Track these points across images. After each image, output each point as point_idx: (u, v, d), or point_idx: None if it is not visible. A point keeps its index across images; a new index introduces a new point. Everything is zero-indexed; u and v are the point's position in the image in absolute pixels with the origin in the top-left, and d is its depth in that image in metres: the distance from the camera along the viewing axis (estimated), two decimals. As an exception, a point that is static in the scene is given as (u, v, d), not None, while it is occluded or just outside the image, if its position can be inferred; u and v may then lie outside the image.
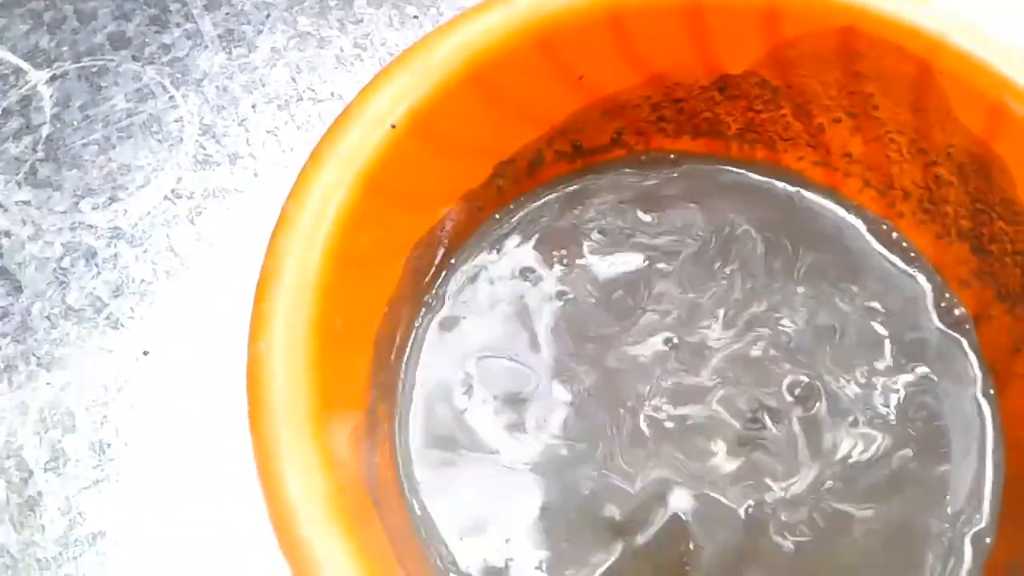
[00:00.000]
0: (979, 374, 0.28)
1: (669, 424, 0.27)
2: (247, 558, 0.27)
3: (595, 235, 0.30)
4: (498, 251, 0.30)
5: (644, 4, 0.27)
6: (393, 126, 0.25)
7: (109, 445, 0.28)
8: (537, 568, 0.25)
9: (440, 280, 0.29)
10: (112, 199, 0.33)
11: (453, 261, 0.30)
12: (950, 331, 0.29)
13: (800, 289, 0.29)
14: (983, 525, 0.26)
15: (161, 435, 0.29)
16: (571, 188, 0.31)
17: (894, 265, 0.30)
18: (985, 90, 0.25)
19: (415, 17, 0.38)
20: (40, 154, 0.33)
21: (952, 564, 0.25)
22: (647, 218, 0.31)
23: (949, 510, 0.26)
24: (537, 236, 0.30)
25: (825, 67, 0.28)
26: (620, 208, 0.31)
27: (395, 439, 0.27)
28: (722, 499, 0.26)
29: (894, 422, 0.27)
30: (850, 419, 0.27)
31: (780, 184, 0.32)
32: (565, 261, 0.30)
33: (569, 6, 0.27)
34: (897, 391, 0.28)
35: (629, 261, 0.30)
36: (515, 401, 0.27)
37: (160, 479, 0.28)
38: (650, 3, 0.27)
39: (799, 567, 0.25)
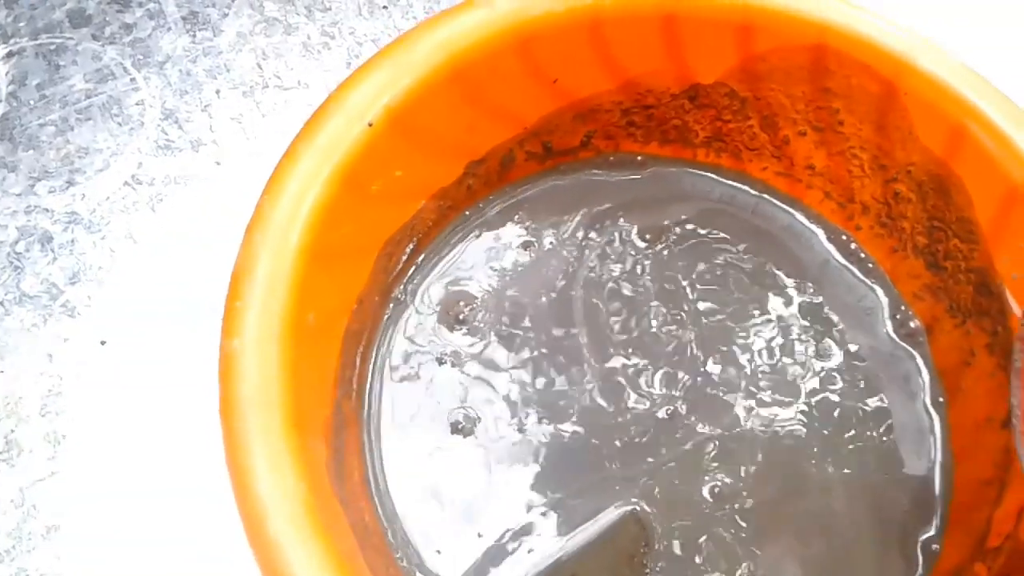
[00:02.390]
0: (929, 386, 0.29)
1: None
2: (207, 554, 0.27)
3: (559, 236, 0.31)
4: (465, 247, 0.30)
5: (622, 12, 0.27)
6: (370, 124, 0.25)
7: (64, 436, 0.28)
8: (505, 566, 0.25)
9: (408, 276, 0.29)
10: (69, 183, 0.32)
11: (421, 258, 0.30)
12: (903, 343, 0.30)
13: (757, 291, 0.30)
14: (931, 532, 0.27)
15: (118, 427, 0.28)
16: (539, 190, 0.32)
17: (852, 275, 0.31)
18: (947, 112, 0.26)
19: (384, 7, 0.37)
20: (-6, 133, 0.32)
21: (904, 569, 0.26)
22: (615, 223, 0.31)
23: (898, 517, 0.27)
24: (503, 233, 0.31)
25: (794, 81, 0.29)
26: (590, 215, 0.31)
27: (362, 437, 0.27)
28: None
29: (840, 427, 0.28)
30: (796, 425, 0.28)
31: (744, 188, 0.32)
32: (531, 256, 0.30)
33: (549, 10, 0.27)
34: (846, 398, 0.29)
35: (589, 264, 0.30)
36: (484, 401, 0.28)
37: (117, 472, 0.27)
38: (628, 11, 0.27)
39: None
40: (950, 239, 0.28)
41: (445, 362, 0.28)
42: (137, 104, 0.34)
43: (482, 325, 0.29)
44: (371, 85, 0.25)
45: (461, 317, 0.29)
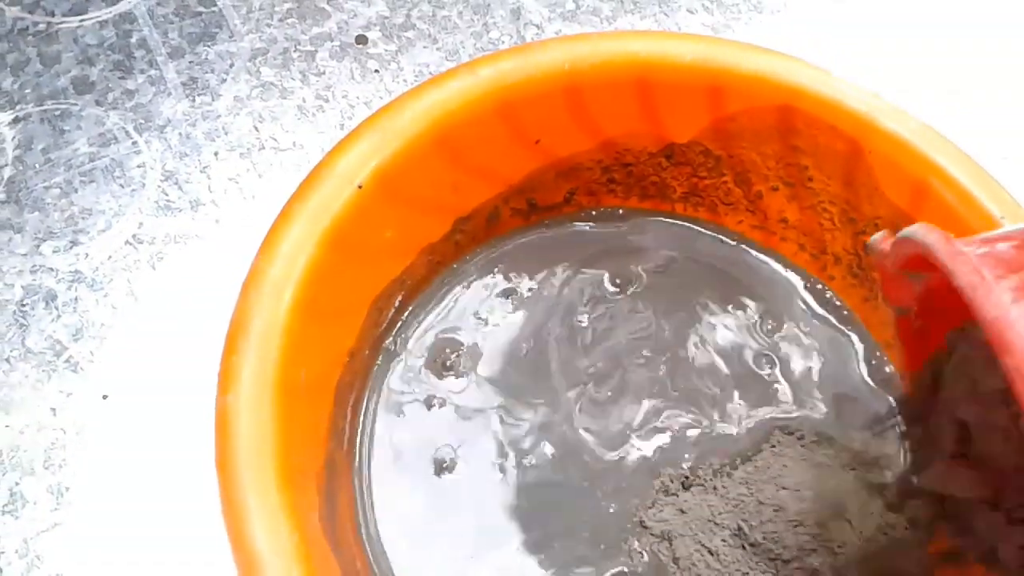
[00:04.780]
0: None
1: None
2: (203, 602, 0.27)
3: (538, 286, 0.32)
4: (453, 298, 0.31)
5: (598, 78, 0.29)
6: (360, 186, 0.26)
7: (67, 488, 0.29)
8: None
9: (397, 328, 0.31)
10: (73, 242, 0.33)
11: (410, 309, 0.31)
12: (878, 387, 0.31)
13: (739, 339, 0.31)
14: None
15: (120, 479, 0.29)
16: (522, 242, 0.33)
17: (828, 322, 0.32)
18: (910, 169, 0.28)
19: (376, 71, 0.39)
20: (1, 196, 0.34)
21: None
22: (592, 271, 0.32)
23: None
24: (487, 284, 0.32)
25: (764, 140, 0.30)
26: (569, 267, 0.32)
27: (353, 483, 0.28)
28: None
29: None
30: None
31: (721, 239, 0.34)
32: (512, 304, 0.31)
33: (529, 77, 0.28)
34: (831, 441, 0.30)
35: (564, 310, 0.32)
36: (469, 444, 0.29)
37: (118, 523, 0.28)
38: (604, 77, 0.29)
39: None
40: (917, 288, 0.29)
41: (433, 405, 0.29)
42: (139, 166, 0.35)
43: (467, 371, 0.30)
44: (360, 150, 0.26)
45: (448, 363, 0.30)
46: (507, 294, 0.32)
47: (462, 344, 0.31)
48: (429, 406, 0.29)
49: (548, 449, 0.29)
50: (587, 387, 0.30)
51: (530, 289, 0.32)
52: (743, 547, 0.27)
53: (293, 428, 0.23)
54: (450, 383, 0.30)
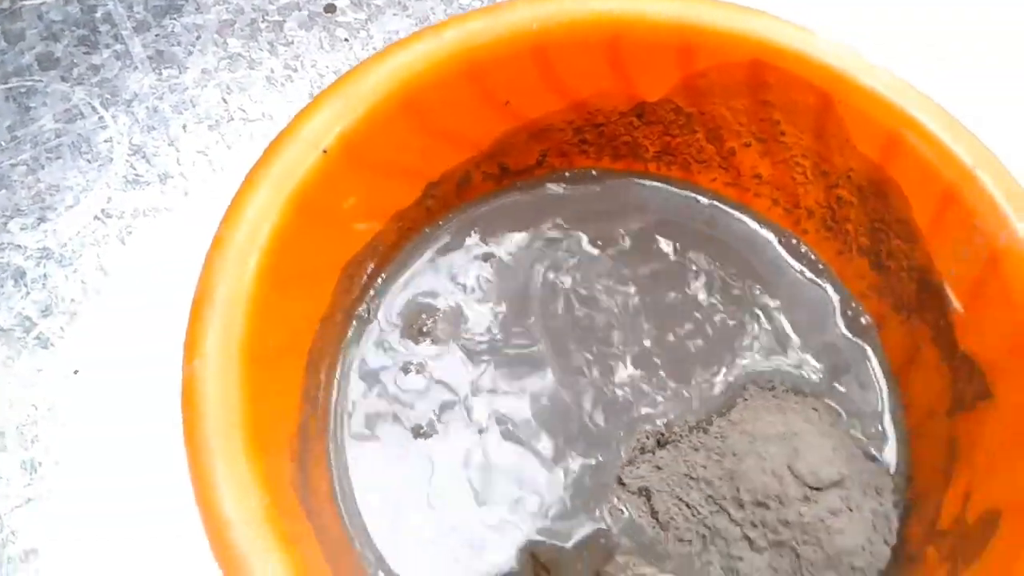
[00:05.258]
0: (883, 379, 0.30)
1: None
2: (182, 573, 0.27)
3: (516, 249, 0.32)
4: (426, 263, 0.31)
5: (567, 37, 0.28)
6: (325, 151, 0.26)
7: (40, 464, 0.28)
8: (474, 566, 0.26)
9: (371, 295, 0.30)
10: (41, 219, 0.33)
11: (383, 276, 0.31)
12: (855, 339, 0.31)
13: (716, 296, 0.31)
14: (895, 523, 0.28)
15: (92, 453, 0.29)
16: (496, 205, 0.33)
17: (804, 276, 0.32)
18: (880, 120, 0.28)
19: (345, 40, 0.38)
20: (-34, 174, 0.33)
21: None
22: (569, 234, 0.32)
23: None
24: (463, 248, 0.32)
25: (734, 96, 0.30)
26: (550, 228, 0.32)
27: (328, 452, 0.27)
28: None
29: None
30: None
31: (696, 198, 0.33)
32: (491, 268, 0.31)
33: (496, 37, 0.28)
34: (804, 393, 0.30)
35: (544, 273, 0.31)
36: (447, 407, 0.29)
37: (92, 497, 0.28)
38: (572, 37, 0.28)
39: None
40: (891, 239, 0.29)
41: (410, 370, 0.29)
42: (106, 141, 0.35)
43: (444, 336, 0.30)
44: (324, 115, 0.26)
45: (424, 329, 0.30)
46: (485, 257, 0.31)
47: (438, 309, 0.30)
48: (406, 371, 0.29)
49: (527, 411, 0.29)
50: (568, 349, 0.30)
51: (508, 252, 0.32)
52: (720, 499, 0.27)
53: (262, 395, 0.23)
54: (427, 348, 0.30)
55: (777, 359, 0.30)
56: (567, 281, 0.31)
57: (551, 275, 0.31)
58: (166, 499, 0.27)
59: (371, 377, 0.29)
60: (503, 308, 0.31)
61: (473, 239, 0.32)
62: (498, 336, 0.30)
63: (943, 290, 0.28)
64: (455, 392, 0.29)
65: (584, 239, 0.32)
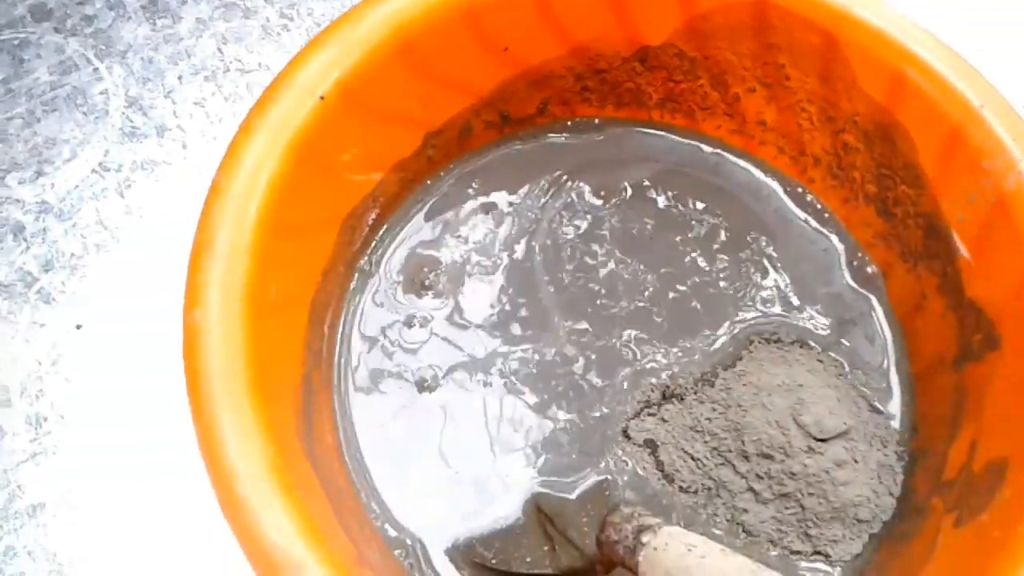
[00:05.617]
0: (888, 329, 0.30)
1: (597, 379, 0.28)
2: (187, 526, 0.27)
3: (518, 200, 0.31)
4: (428, 215, 0.31)
5: (566, -23, 0.28)
6: (322, 97, 0.25)
7: (45, 419, 0.28)
8: (471, 531, 0.26)
9: (372, 247, 0.30)
10: (39, 173, 0.32)
11: (384, 227, 0.31)
12: (861, 288, 0.31)
13: (720, 248, 0.31)
14: (900, 474, 0.28)
15: (97, 407, 0.29)
16: (498, 156, 0.32)
17: (809, 225, 0.32)
18: (886, 60, 0.27)
19: (342, -12, 0.38)
20: (-39, 128, 0.33)
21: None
22: (572, 184, 0.32)
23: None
24: (464, 200, 0.31)
25: (739, 39, 0.29)
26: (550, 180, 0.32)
27: (332, 402, 0.27)
28: None
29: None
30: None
31: (700, 147, 0.33)
32: (493, 220, 0.31)
33: (494, -21, 0.27)
34: (809, 345, 0.29)
35: (548, 224, 0.31)
36: (450, 361, 0.28)
37: (97, 451, 0.28)
38: (572, -24, 0.28)
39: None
40: (898, 185, 0.29)
41: (413, 324, 0.29)
42: (101, 93, 0.34)
43: (446, 289, 0.30)
44: (320, 60, 0.26)
45: (427, 283, 0.30)
46: (486, 209, 0.31)
47: (441, 263, 0.30)
48: (409, 326, 0.29)
49: (532, 365, 0.29)
50: (572, 303, 0.30)
51: (510, 203, 0.31)
52: (725, 452, 0.27)
53: (265, 345, 0.23)
54: (429, 302, 0.29)
55: (782, 311, 0.30)
56: (569, 232, 0.31)
57: (553, 226, 0.31)
58: (172, 452, 0.27)
59: (374, 331, 0.29)
60: (505, 261, 0.30)
61: (474, 190, 0.31)
62: (503, 289, 0.30)
63: (950, 236, 0.27)
64: (458, 346, 0.29)
65: (587, 189, 0.32)
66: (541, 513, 0.27)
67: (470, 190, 0.31)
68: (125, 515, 0.28)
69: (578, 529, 0.26)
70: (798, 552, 0.27)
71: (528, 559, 0.26)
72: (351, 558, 0.22)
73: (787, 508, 0.27)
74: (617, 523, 0.25)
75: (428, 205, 0.31)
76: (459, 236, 0.31)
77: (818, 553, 0.27)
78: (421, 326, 0.29)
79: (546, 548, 0.26)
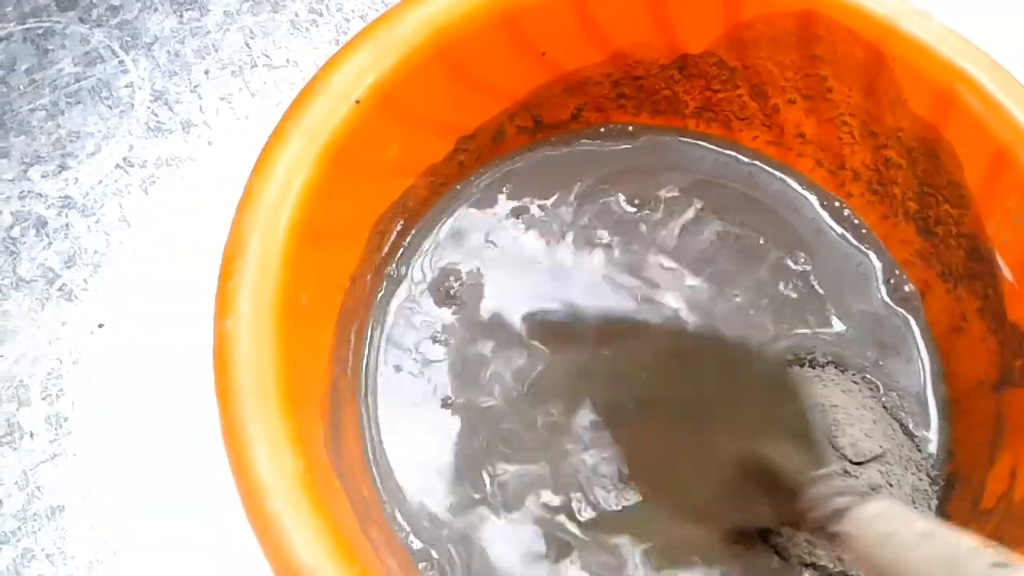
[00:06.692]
0: (924, 350, 0.29)
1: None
2: (210, 531, 0.27)
3: (550, 207, 0.31)
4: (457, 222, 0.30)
5: (608, -17, 0.27)
6: (358, 101, 0.25)
7: (65, 419, 0.28)
8: (508, 549, 0.26)
9: (400, 253, 0.30)
10: (62, 167, 0.32)
11: (413, 233, 0.30)
12: (898, 307, 0.30)
13: (751, 260, 0.30)
14: (934, 500, 0.27)
15: (118, 408, 0.28)
16: (529, 162, 0.32)
17: (846, 240, 0.31)
18: (934, 76, 0.26)
19: (372, -16, 0.37)
20: (-15, 119, 0.32)
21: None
22: (606, 192, 0.31)
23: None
24: (494, 206, 0.31)
25: (782, 49, 0.29)
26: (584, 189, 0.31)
27: (360, 413, 0.27)
28: None
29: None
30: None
31: (736, 157, 0.32)
32: (523, 227, 0.30)
33: (534, -16, 0.27)
34: (844, 365, 0.29)
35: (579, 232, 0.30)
36: (477, 372, 0.28)
37: (118, 452, 0.28)
38: (614, -18, 0.27)
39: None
40: (940, 204, 0.28)
41: (439, 336, 0.28)
42: (126, 86, 0.34)
43: (473, 299, 0.29)
44: (356, 64, 0.25)
45: (452, 292, 0.29)
46: (517, 214, 0.30)
47: (468, 271, 0.29)
48: (434, 338, 0.28)
49: (560, 379, 0.28)
50: (603, 315, 0.29)
51: (542, 208, 0.31)
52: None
53: (295, 354, 0.22)
54: (456, 312, 0.29)
55: (816, 330, 0.29)
56: (606, 238, 0.30)
57: (588, 234, 0.30)
58: (195, 455, 0.27)
59: (401, 338, 0.28)
60: (535, 269, 0.30)
61: (504, 196, 0.31)
62: (529, 300, 0.29)
63: (993, 258, 0.27)
64: (486, 357, 0.28)
65: (621, 198, 0.31)
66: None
67: (501, 196, 0.31)
68: (145, 519, 0.27)
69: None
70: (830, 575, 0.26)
71: None
72: (379, 575, 0.22)
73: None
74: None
75: (457, 211, 0.30)
76: (490, 242, 0.30)
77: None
78: (447, 336, 0.28)
79: None
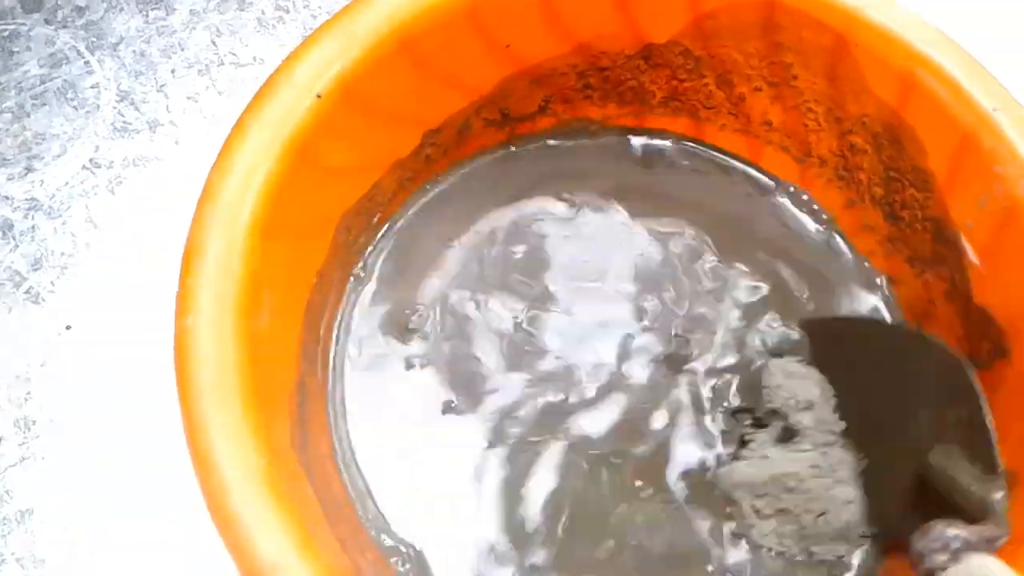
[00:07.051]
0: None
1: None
2: (180, 532, 0.27)
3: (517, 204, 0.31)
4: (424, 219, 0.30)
5: (570, -26, 0.27)
6: (319, 95, 0.25)
7: (34, 422, 0.28)
8: (467, 542, 0.26)
9: (369, 250, 0.29)
10: (28, 169, 0.32)
11: (383, 230, 0.30)
12: (867, 293, 0.30)
13: (717, 255, 0.30)
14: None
15: (87, 410, 0.28)
16: (496, 158, 0.32)
17: (813, 229, 0.31)
18: (896, 62, 0.26)
19: (339, -20, 0.37)
20: (-52, 122, 0.32)
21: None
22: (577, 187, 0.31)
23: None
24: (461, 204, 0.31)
25: (746, 38, 0.29)
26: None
27: (327, 410, 0.27)
28: None
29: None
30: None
31: (701, 151, 0.32)
32: (491, 225, 0.30)
33: (496, -24, 0.27)
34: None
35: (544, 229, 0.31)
36: (448, 374, 0.28)
37: (87, 455, 0.28)
38: (576, -27, 0.27)
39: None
40: (906, 189, 0.28)
41: (409, 336, 0.28)
42: (92, 87, 0.33)
43: (442, 298, 0.29)
44: (318, 57, 0.25)
45: (423, 290, 0.29)
46: (485, 215, 0.30)
47: (438, 269, 0.29)
48: (403, 336, 0.28)
49: (541, 367, 0.28)
50: (569, 311, 0.29)
51: (511, 209, 0.31)
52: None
53: (259, 351, 0.22)
54: (425, 311, 0.29)
55: (784, 322, 0.29)
56: (564, 238, 0.30)
57: (551, 233, 0.30)
58: (165, 456, 0.26)
59: (370, 334, 0.28)
60: (505, 263, 0.30)
61: (472, 195, 0.31)
62: (500, 300, 0.29)
63: (959, 242, 0.27)
64: (457, 359, 0.28)
65: (592, 194, 0.31)
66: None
67: (469, 194, 0.31)
68: (116, 521, 0.27)
69: None
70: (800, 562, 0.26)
71: None
72: (347, 572, 0.22)
73: (788, 523, 0.26)
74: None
75: (425, 209, 0.30)
76: (455, 244, 0.30)
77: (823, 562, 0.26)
78: (418, 336, 0.28)
79: None
